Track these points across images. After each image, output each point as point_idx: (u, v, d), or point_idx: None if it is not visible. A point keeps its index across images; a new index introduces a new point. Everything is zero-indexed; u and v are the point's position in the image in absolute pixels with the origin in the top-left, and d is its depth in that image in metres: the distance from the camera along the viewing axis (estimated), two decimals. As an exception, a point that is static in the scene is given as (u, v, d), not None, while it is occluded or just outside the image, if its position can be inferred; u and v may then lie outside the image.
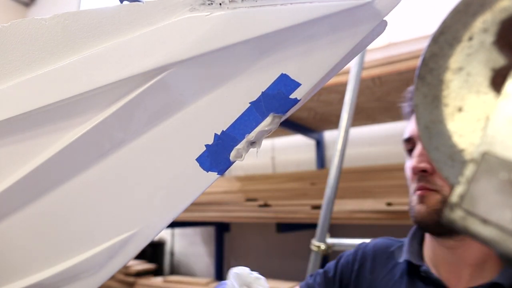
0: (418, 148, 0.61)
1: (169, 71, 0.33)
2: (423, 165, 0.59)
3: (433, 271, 0.61)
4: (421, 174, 0.60)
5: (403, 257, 0.65)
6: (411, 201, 0.62)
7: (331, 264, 0.76)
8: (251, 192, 2.15)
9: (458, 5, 0.21)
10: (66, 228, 0.37)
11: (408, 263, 0.64)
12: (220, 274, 2.61)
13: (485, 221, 0.16)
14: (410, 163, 0.63)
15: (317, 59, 0.34)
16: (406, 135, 0.66)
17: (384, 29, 0.35)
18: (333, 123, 2.06)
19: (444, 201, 0.57)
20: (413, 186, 0.62)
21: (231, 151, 0.36)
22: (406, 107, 0.70)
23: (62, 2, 3.78)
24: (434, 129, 0.21)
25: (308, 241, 1.30)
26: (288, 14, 0.32)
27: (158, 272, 2.64)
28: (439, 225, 0.57)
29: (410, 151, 0.65)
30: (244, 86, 0.35)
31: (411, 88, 0.68)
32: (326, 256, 1.37)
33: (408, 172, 0.64)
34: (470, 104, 0.20)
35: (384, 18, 0.34)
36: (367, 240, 0.78)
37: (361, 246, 0.75)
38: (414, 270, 0.63)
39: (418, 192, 0.60)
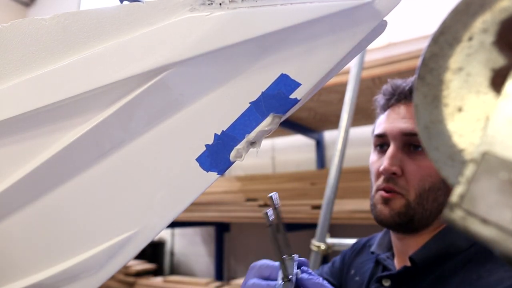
0: (392, 149, 0.63)
1: (169, 71, 0.33)
2: (395, 168, 0.62)
3: (395, 258, 0.70)
4: (391, 176, 0.62)
5: (372, 248, 0.76)
6: (374, 197, 0.66)
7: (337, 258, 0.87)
8: (251, 192, 2.15)
9: (458, 5, 0.21)
10: (66, 228, 0.37)
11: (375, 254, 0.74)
12: (220, 274, 2.61)
13: (485, 221, 0.16)
14: (378, 161, 0.66)
15: (317, 59, 0.34)
16: (379, 130, 0.68)
17: (384, 29, 0.35)
18: (333, 123, 2.06)
19: (407, 205, 0.61)
20: (378, 183, 0.65)
21: (231, 151, 0.36)
22: (380, 99, 0.72)
23: (62, 2, 3.78)
24: (434, 129, 0.21)
25: (308, 241, 1.30)
26: (288, 14, 0.32)
27: (158, 272, 2.64)
28: (397, 225, 0.63)
29: (379, 146, 0.68)
30: (244, 86, 0.35)
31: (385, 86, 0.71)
32: (326, 256, 1.37)
33: (373, 167, 0.68)
34: (470, 104, 0.20)
35: (384, 18, 0.34)
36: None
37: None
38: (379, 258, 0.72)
39: (384, 194, 0.63)
